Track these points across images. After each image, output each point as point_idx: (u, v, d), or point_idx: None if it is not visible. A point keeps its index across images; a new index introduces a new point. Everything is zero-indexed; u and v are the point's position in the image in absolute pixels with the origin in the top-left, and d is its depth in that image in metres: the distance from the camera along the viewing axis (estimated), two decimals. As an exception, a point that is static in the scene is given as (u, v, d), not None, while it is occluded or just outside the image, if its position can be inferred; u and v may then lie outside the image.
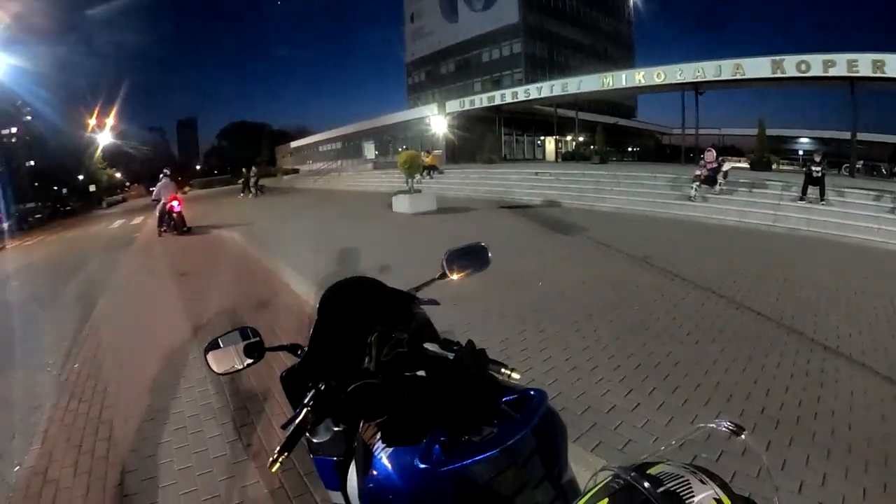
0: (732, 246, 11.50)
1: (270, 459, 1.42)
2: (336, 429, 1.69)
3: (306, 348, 1.89)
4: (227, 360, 1.88)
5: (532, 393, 1.51)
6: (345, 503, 1.72)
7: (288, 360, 1.92)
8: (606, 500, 1.03)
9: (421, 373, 1.65)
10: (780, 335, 5.87)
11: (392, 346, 1.72)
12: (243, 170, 37.26)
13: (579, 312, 6.71)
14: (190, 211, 18.57)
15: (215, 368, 1.88)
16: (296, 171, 58.75)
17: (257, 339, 1.91)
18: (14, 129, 61.64)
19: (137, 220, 27.49)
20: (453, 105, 40.45)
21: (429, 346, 1.83)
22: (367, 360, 1.69)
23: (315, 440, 1.72)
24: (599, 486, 1.09)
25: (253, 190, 33.77)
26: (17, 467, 4.13)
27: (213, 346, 1.89)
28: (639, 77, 29.90)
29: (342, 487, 1.70)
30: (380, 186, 28.04)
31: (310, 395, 1.56)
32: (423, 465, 1.31)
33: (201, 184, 59.34)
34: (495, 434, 1.36)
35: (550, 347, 5.63)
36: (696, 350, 5.47)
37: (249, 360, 1.88)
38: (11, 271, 16.17)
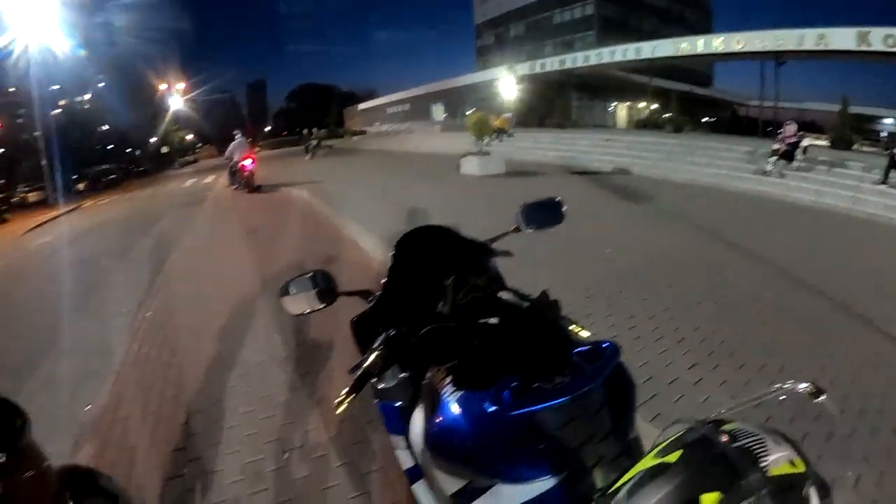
0: (808, 226, 11.01)
1: (337, 401, 1.45)
2: (402, 375, 1.72)
3: (377, 295, 1.91)
4: (300, 302, 1.91)
5: (604, 346, 1.50)
6: (406, 447, 1.76)
7: (353, 309, 1.97)
8: (680, 451, 1.04)
9: (494, 320, 1.64)
10: (853, 324, 5.57)
11: (468, 291, 1.74)
12: (304, 131, 37.67)
13: (646, 282, 6.59)
14: (259, 170, 18.85)
15: (289, 310, 1.94)
16: (363, 133, 59.02)
17: (331, 283, 1.93)
18: (88, 96, 63.50)
19: (209, 179, 28.13)
20: (523, 68, 39.81)
21: (503, 294, 1.82)
22: (441, 304, 1.71)
23: (381, 386, 1.76)
24: (672, 438, 1.10)
25: (320, 149, 34.01)
26: (89, 406, 4.35)
27: (289, 287, 1.93)
28: (716, 43, 28.65)
29: (405, 432, 1.72)
30: (448, 148, 27.89)
31: (380, 339, 1.56)
32: (492, 409, 1.32)
33: (270, 144, 60.26)
34: (566, 383, 1.36)
35: (616, 314, 5.57)
36: (764, 329, 5.29)
37: (322, 304, 1.90)
38: (87, 227, 16.98)
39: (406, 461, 1.81)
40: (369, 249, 8.38)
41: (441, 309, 1.72)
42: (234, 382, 4.53)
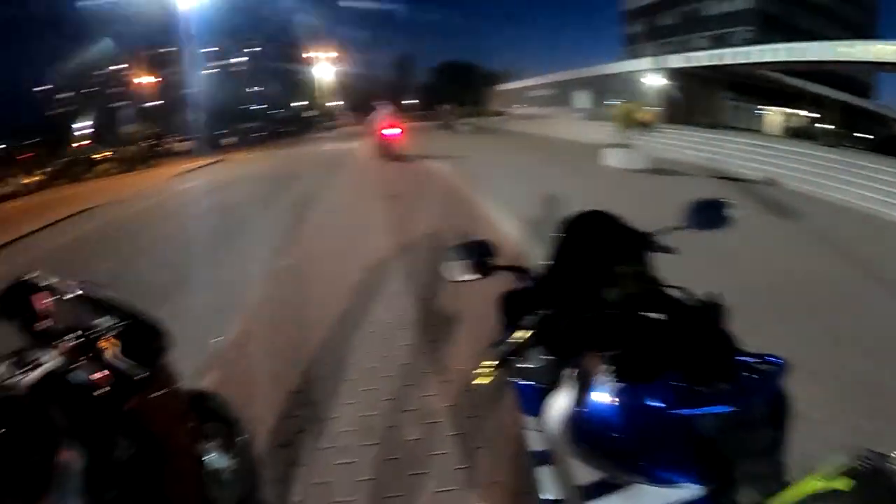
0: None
1: (477, 371, 1.45)
2: (547, 357, 1.66)
3: (537, 273, 1.89)
4: (458, 269, 1.93)
5: (772, 360, 1.42)
6: (538, 430, 1.71)
7: (487, 285, 1.95)
8: (853, 480, 1.01)
9: (657, 315, 1.58)
10: None
11: (636, 282, 1.69)
12: (443, 107, 38.21)
13: (784, 307, 6.08)
14: (402, 141, 19.15)
15: (447, 275, 1.96)
16: (502, 114, 58.74)
17: (490, 254, 1.94)
18: (242, 59, 67.16)
19: (352, 144, 28.60)
20: (672, 61, 38.42)
21: (669, 290, 1.76)
22: (607, 291, 1.66)
23: (522, 364, 1.71)
24: (839, 465, 1.05)
25: (461, 126, 34.41)
26: (219, 338, 4.65)
27: (453, 253, 1.95)
28: (881, 50, 26.27)
29: (540, 414, 1.67)
30: (589, 137, 27.11)
31: (535, 318, 1.54)
32: (653, 404, 1.29)
33: (412, 117, 61.23)
34: (729, 391, 1.29)
35: (748, 336, 5.27)
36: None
37: (478, 275, 1.91)
38: (231, 178, 18.14)
39: (535, 443, 1.78)
40: (504, 230, 8.18)
41: (607, 296, 1.66)
42: (361, 338, 4.66)
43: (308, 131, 52.95)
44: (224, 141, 42.98)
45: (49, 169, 40.98)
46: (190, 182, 19.85)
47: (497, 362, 1.47)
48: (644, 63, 38.82)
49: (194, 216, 12.63)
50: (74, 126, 58.08)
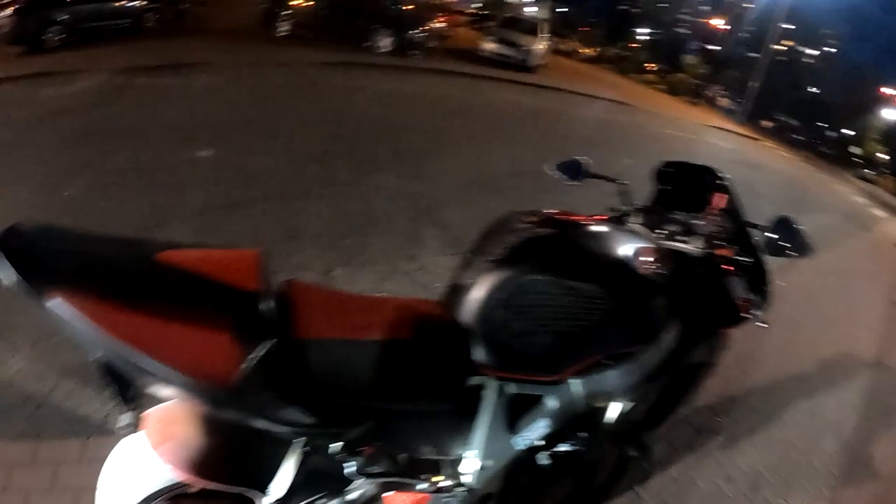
0: None
1: None
2: None
3: None
4: None
5: None
6: None
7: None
8: None
9: None
10: None
11: None
12: None
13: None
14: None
15: None
16: None
17: None
18: (814, 51, 62.85)
19: (878, 212, 23.63)
20: None
21: None
22: None
23: None
24: None
25: None
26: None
27: None
28: None
29: None
30: None
31: None
32: None
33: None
34: None
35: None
36: None
37: None
38: (761, 164, 17.84)
39: None
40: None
41: None
42: (798, 395, 4.27)
43: (848, 166, 45.46)
44: (763, 122, 41.28)
45: (600, 50, 44.72)
46: (722, 142, 19.91)
47: None
48: None
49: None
50: (637, 30, 60.96)
